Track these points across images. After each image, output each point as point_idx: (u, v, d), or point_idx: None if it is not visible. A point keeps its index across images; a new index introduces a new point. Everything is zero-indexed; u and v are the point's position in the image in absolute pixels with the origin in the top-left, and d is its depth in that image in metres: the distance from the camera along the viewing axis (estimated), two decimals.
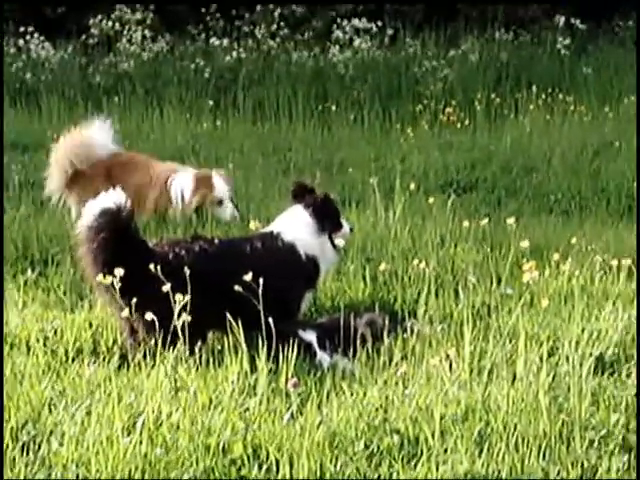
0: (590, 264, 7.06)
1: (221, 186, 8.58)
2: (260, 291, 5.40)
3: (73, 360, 5.89)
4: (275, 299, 5.57)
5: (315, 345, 5.87)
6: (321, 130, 14.58)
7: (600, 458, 4.64)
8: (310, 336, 5.89)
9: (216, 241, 6.13)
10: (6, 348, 5.97)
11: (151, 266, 5.51)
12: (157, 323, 5.41)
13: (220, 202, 8.57)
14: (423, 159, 12.37)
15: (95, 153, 9.00)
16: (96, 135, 9.13)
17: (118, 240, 5.72)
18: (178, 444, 4.68)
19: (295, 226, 6.37)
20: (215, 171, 8.78)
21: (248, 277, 5.51)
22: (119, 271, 5.43)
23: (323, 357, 5.82)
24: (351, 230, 6.78)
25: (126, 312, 5.54)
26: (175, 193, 8.61)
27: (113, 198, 5.82)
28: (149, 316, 5.39)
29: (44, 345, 5.99)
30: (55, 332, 6.19)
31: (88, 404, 5.08)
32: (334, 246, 6.51)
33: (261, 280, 5.43)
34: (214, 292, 5.75)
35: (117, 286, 5.45)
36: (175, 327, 5.33)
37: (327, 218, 6.47)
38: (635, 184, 10.40)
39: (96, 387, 5.35)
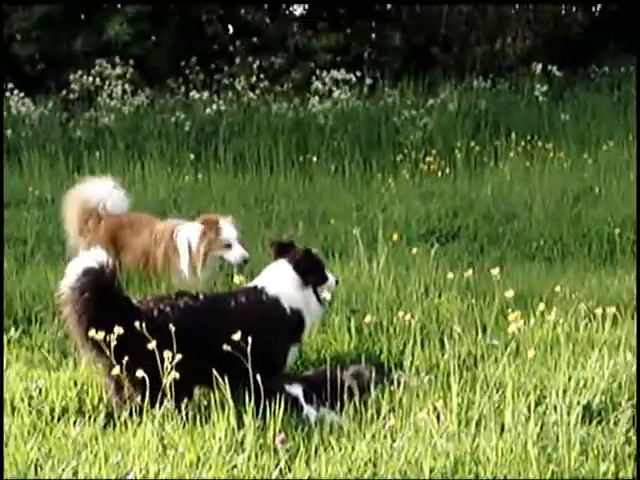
0: (574, 312, 7.08)
1: (228, 229, 8.40)
2: (246, 347, 5.39)
3: (59, 419, 5.83)
4: (260, 354, 5.53)
5: (302, 399, 5.84)
6: (302, 181, 14.62)
7: None
8: (296, 390, 5.87)
9: (201, 297, 6.11)
10: None
11: (136, 324, 5.49)
12: (145, 380, 5.37)
13: (228, 245, 8.35)
14: (405, 208, 12.41)
15: (100, 212, 9.16)
16: (101, 195, 9.25)
17: (102, 299, 5.70)
18: None
19: (279, 280, 6.36)
20: (221, 217, 8.63)
21: (237, 336, 5.50)
22: (117, 329, 5.43)
23: (310, 411, 5.79)
24: (337, 282, 6.76)
25: (116, 370, 5.51)
26: (182, 244, 8.53)
27: (95, 257, 5.80)
28: (139, 373, 5.35)
29: (29, 405, 5.93)
30: (40, 391, 6.14)
31: (75, 464, 5.04)
32: (319, 299, 6.49)
33: (246, 336, 5.43)
34: (200, 348, 5.72)
35: (112, 344, 5.43)
36: (162, 384, 5.31)
37: (311, 271, 6.46)
38: (617, 230, 10.44)
39: (82, 447, 5.29)
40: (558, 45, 19.67)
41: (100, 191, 9.31)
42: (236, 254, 8.30)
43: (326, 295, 6.54)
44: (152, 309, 5.85)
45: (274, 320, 6.20)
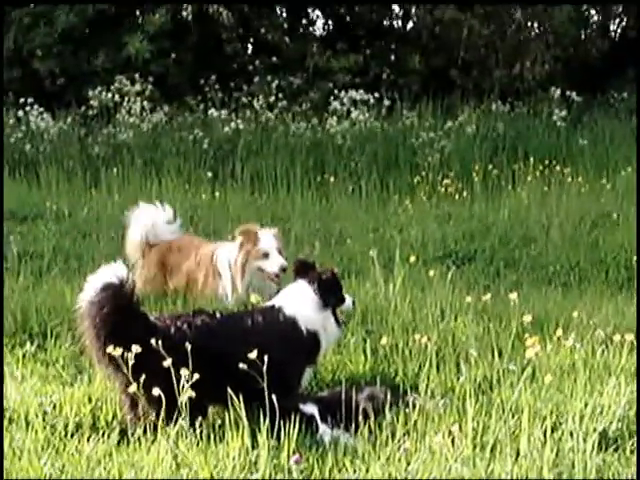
0: (591, 338, 7.04)
1: (266, 238, 8.23)
2: (262, 366, 5.39)
3: (72, 435, 5.81)
4: (275, 373, 5.52)
5: (317, 417, 5.82)
6: (319, 201, 14.62)
7: None
8: (311, 409, 5.85)
9: (217, 315, 6.11)
10: (5, 423, 5.90)
11: (152, 341, 5.48)
12: (160, 398, 5.36)
13: (266, 255, 8.17)
14: (421, 230, 12.39)
15: (157, 235, 9.14)
16: (159, 218, 9.24)
17: (120, 315, 5.69)
18: None
19: (298, 301, 6.33)
20: (262, 228, 8.50)
21: (253, 355, 5.50)
22: (134, 347, 5.43)
23: (325, 431, 5.77)
24: (353, 303, 6.74)
25: (133, 387, 5.50)
26: (222, 265, 8.42)
27: (115, 272, 5.80)
28: (156, 391, 5.34)
29: (43, 420, 5.91)
30: (54, 407, 6.12)
31: None
32: (338, 322, 6.47)
33: (262, 355, 5.43)
34: (215, 367, 5.72)
35: (130, 362, 5.43)
36: (177, 402, 5.30)
37: (330, 293, 6.43)
38: (635, 256, 10.39)
39: (96, 463, 5.28)
40: (577, 70, 19.67)
41: (154, 219, 9.21)
42: (273, 263, 8.13)
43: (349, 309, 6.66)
44: (169, 326, 5.84)
45: (290, 340, 6.17)
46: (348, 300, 6.62)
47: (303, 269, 6.53)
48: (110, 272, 5.80)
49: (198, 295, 8.45)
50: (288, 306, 6.28)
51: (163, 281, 8.91)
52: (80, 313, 5.84)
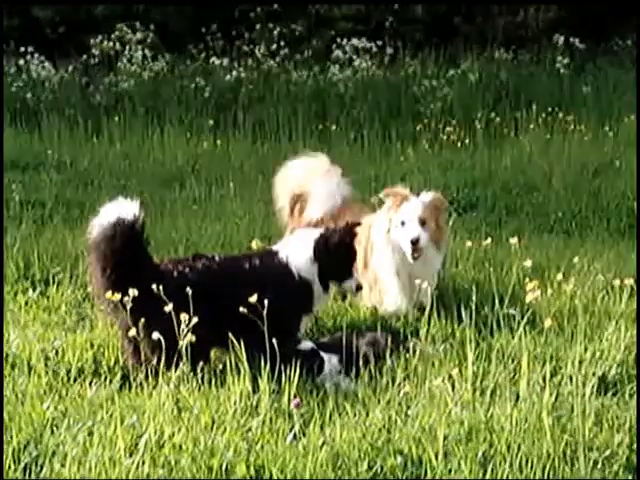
0: (592, 283, 7.06)
1: (409, 207, 6.98)
2: (261, 310, 5.42)
3: (75, 380, 5.87)
4: (271, 316, 5.51)
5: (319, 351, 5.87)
6: (321, 149, 14.51)
7: (604, 479, 4.62)
8: (309, 344, 5.91)
9: (217, 258, 6.12)
10: (7, 368, 5.95)
11: (153, 286, 5.51)
12: (163, 342, 5.39)
13: (402, 223, 6.96)
14: (423, 178, 12.35)
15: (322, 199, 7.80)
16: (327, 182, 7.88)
17: (127, 254, 5.71)
18: (180, 465, 4.67)
19: (295, 248, 6.31)
20: (424, 193, 7.13)
21: (252, 298, 5.53)
22: (131, 291, 5.46)
23: (332, 362, 5.82)
24: (358, 288, 6.52)
25: (133, 332, 5.53)
26: (376, 240, 7.18)
27: (129, 208, 5.79)
28: (155, 335, 5.38)
29: (45, 365, 5.97)
30: (56, 352, 6.17)
31: (90, 425, 5.07)
32: (325, 288, 6.34)
33: (256, 297, 5.51)
34: (216, 309, 5.74)
35: (128, 306, 5.46)
36: (179, 346, 5.34)
37: (331, 263, 6.30)
38: (635, 203, 10.38)
39: (98, 407, 5.33)
40: (581, 17, 19.51)
41: (315, 176, 7.89)
42: (404, 234, 6.93)
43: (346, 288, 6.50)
44: (172, 270, 5.87)
45: (283, 285, 6.15)
46: (352, 282, 6.45)
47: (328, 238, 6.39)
48: (125, 207, 5.78)
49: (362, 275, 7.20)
50: (284, 251, 6.27)
51: None
52: (90, 243, 5.83)
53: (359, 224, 6.68)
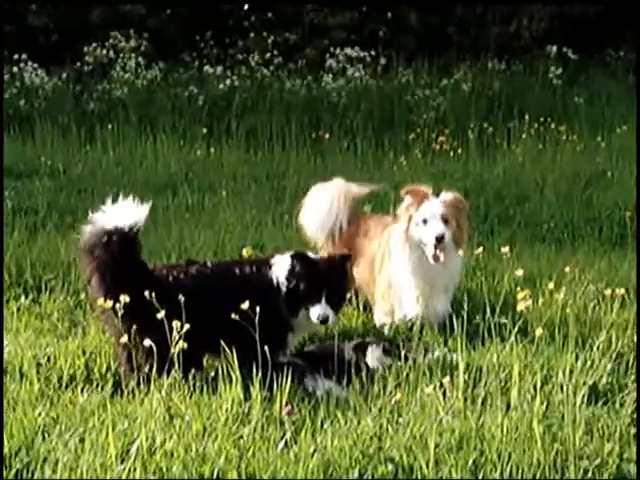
0: (583, 293, 7.09)
1: (431, 204, 6.88)
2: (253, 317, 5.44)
3: (66, 387, 5.88)
4: (261, 327, 5.51)
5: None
6: (314, 158, 14.58)
7: None
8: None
9: (209, 264, 6.13)
10: None
11: (146, 292, 5.52)
12: (155, 349, 5.40)
13: (424, 221, 6.85)
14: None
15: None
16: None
17: (121, 261, 5.72)
18: (172, 472, 4.68)
19: (282, 264, 6.17)
20: (444, 193, 7.04)
21: (245, 306, 5.53)
22: (123, 297, 5.47)
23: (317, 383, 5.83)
24: (322, 322, 6.06)
25: (125, 338, 5.54)
26: (394, 243, 7.08)
27: (129, 214, 5.78)
28: (147, 342, 5.39)
29: (37, 372, 5.98)
30: (48, 359, 6.19)
31: (82, 431, 5.08)
32: (293, 312, 6.08)
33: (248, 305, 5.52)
34: (208, 316, 5.75)
35: (120, 312, 5.47)
36: (172, 353, 5.35)
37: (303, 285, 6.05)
38: (628, 212, 10.40)
39: (90, 414, 5.33)
40: (574, 28, 19.57)
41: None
42: (429, 231, 6.79)
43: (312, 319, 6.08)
44: (166, 276, 5.88)
45: (270, 295, 6.06)
46: (315, 312, 6.03)
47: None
48: (124, 213, 5.78)
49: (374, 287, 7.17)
50: (277, 263, 6.17)
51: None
52: (84, 245, 5.83)
53: (349, 256, 6.54)
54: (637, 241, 9.51)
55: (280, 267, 6.12)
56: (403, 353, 6.00)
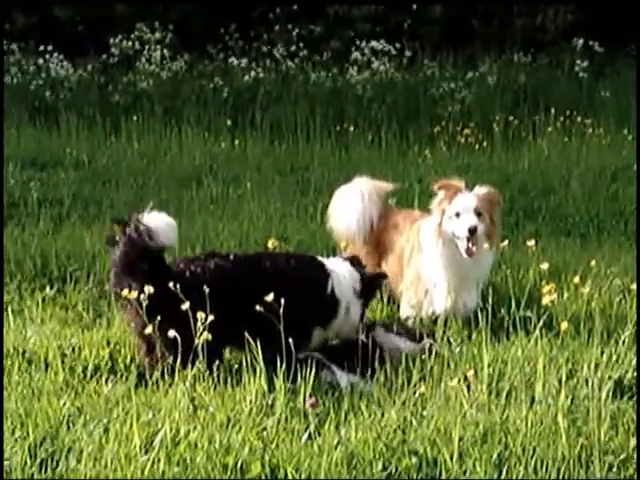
0: (609, 287, 7.05)
1: (464, 198, 6.82)
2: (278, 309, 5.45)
3: (91, 377, 5.90)
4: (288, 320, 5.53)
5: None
6: (338, 150, 14.57)
7: None
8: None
9: (231, 257, 6.12)
10: (24, 364, 6.00)
11: (170, 284, 5.52)
12: (178, 341, 5.40)
13: (457, 215, 6.77)
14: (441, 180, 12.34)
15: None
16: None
17: (138, 256, 5.73)
18: (195, 463, 4.68)
19: (343, 266, 6.33)
20: (478, 187, 6.95)
21: (269, 298, 5.54)
22: (147, 289, 5.47)
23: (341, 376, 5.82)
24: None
25: (149, 330, 5.54)
26: (424, 238, 7.03)
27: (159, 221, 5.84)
28: (171, 333, 5.39)
29: (62, 362, 6.00)
30: (73, 349, 6.21)
31: (106, 422, 5.09)
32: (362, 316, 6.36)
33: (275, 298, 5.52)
34: (232, 309, 5.75)
35: (143, 304, 5.48)
36: (194, 345, 5.35)
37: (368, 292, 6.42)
38: None
39: (114, 405, 5.35)
40: (600, 21, 19.46)
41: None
42: (461, 224, 6.72)
43: None
44: (184, 270, 5.87)
45: (310, 290, 6.14)
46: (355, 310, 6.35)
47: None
48: (153, 220, 5.82)
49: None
50: (331, 263, 6.30)
51: (377, 264, 7.39)
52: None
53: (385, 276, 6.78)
54: (637, 239, 9.42)
55: (344, 273, 6.27)
56: (427, 346, 6.00)
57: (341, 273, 6.26)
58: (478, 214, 6.73)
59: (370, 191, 7.58)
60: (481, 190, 6.89)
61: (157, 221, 5.80)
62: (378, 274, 6.75)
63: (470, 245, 6.69)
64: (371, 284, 6.42)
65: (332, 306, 6.19)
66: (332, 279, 6.18)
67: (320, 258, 6.42)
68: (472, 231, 6.65)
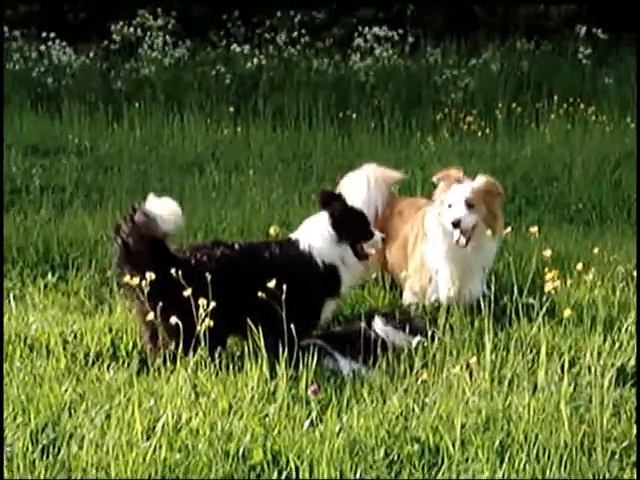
0: (612, 274, 7.03)
1: (457, 189, 6.79)
2: (280, 297, 5.43)
3: (93, 364, 5.91)
4: (291, 305, 5.52)
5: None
6: (341, 137, 14.54)
7: (622, 470, 4.62)
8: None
9: (236, 246, 6.11)
10: (26, 350, 6.00)
11: (172, 271, 5.51)
12: (180, 328, 5.40)
13: (450, 206, 6.76)
14: (443, 167, 12.30)
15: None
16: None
17: (142, 244, 5.72)
18: (197, 449, 4.68)
19: (314, 233, 6.26)
20: (479, 177, 6.94)
21: (270, 285, 5.52)
22: (148, 275, 5.47)
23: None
24: (383, 240, 6.51)
25: (150, 316, 5.54)
26: (428, 225, 7.03)
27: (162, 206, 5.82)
28: (173, 320, 5.38)
29: (64, 349, 6.01)
30: (75, 336, 6.22)
31: (108, 408, 5.10)
32: (358, 256, 6.30)
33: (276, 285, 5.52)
34: (234, 297, 5.74)
35: (145, 290, 5.47)
36: (197, 332, 5.35)
37: (349, 227, 6.28)
38: None
39: (116, 391, 5.35)
40: (603, 8, 19.39)
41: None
42: (448, 216, 6.72)
43: (371, 251, 6.39)
44: (189, 258, 5.86)
45: (304, 272, 6.12)
46: (377, 236, 6.41)
47: (327, 201, 6.37)
48: (157, 206, 5.80)
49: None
50: (304, 239, 6.23)
51: (382, 255, 7.33)
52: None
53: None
54: (637, 228, 9.40)
55: (316, 239, 6.21)
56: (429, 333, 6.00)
57: (314, 239, 6.21)
58: (470, 205, 6.70)
59: (376, 178, 7.56)
60: (478, 181, 6.86)
61: (161, 207, 5.79)
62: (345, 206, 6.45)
63: (460, 236, 6.68)
64: (345, 217, 6.31)
65: (332, 275, 6.21)
66: (312, 252, 6.17)
67: (293, 236, 6.34)
68: (455, 224, 6.65)
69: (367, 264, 6.61)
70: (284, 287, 5.47)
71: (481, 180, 6.87)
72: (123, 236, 5.73)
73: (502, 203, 7.05)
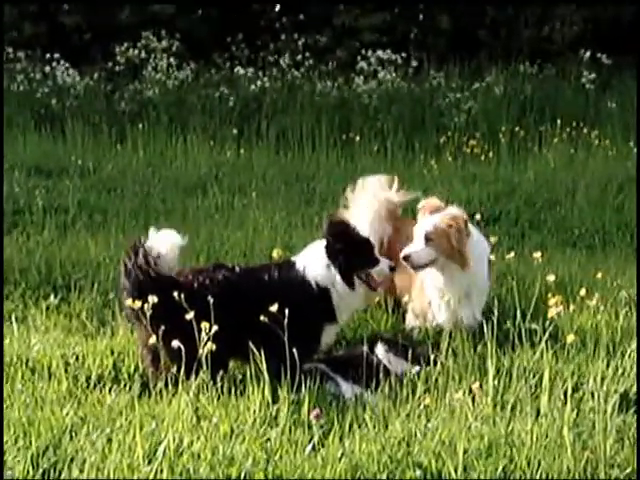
0: (615, 300, 7.02)
1: (422, 222, 6.81)
2: (281, 320, 5.42)
3: (94, 387, 5.88)
4: (290, 329, 5.50)
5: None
6: (344, 160, 14.57)
7: None
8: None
9: (237, 269, 6.10)
10: (27, 373, 5.98)
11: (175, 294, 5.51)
12: (182, 351, 5.39)
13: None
14: (446, 191, 12.31)
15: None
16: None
17: (145, 269, 5.72)
18: (199, 473, 4.66)
19: (310, 256, 6.19)
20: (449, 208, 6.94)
21: (273, 308, 5.52)
22: (151, 299, 5.46)
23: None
24: (391, 269, 6.30)
25: (153, 340, 5.53)
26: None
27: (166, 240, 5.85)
28: (175, 344, 5.37)
29: (65, 371, 5.99)
30: (77, 358, 6.20)
31: (109, 431, 5.07)
32: (351, 285, 6.13)
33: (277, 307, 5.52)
34: (235, 320, 5.73)
35: (148, 313, 5.46)
36: (198, 355, 5.33)
37: (350, 256, 6.10)
38: None
39: (117, 414, 5.33)
40: (607, 32, 19.45)
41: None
42: (405, 249, 6.70)
43: (379, 280, 6.24)
44: (191, 281, 5.86)
45: (300, 295, 6.05)
46: (383, 263, 6.25)
47: (331, 230, 6.23)
48: (159, 243, 5.84)
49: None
50: (300, 261, 6.19)
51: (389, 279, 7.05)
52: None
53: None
54: (637, 253, 9.40)
55: (311, 262, 6.14)
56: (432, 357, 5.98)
57: (310, 263, 6.15)
58: (428, 239, 6.66)
59: (383, 206, 7.50)
60: (441, 215, 6.78)
61: (163, 244, 5.81)
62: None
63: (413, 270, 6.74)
64: (344, 241, 6.15)
65: (325, 298, 6.13)
66: (306, 274, 6.11)
67: (293, 258, 6.30)
68: (404, 258, 6.65)
69: (377, 294, 6.56)
70: (285, 310, 5.45)
71: (445, 214, 6.79)
72: (129, 275, 5.74)
73: (466, 237, 6.81)
